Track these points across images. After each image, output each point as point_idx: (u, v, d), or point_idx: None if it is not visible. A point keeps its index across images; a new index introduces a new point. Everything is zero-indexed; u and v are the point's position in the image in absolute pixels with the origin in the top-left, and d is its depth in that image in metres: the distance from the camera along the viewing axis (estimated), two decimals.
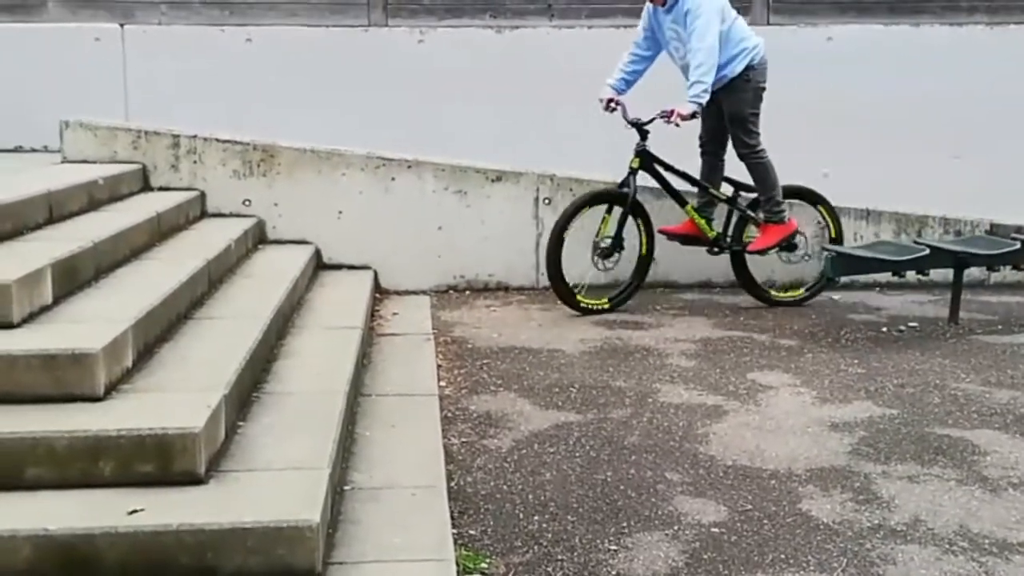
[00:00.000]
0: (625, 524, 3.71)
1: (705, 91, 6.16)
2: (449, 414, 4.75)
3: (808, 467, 4.22)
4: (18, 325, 3.73)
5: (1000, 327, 6.39)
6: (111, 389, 3.59)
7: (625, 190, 6.46)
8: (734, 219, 6.85)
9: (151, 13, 8.45)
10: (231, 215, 6.90)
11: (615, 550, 3.52)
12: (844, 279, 6.82)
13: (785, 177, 7.10)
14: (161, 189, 6.82)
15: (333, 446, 3.65)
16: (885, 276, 6.92)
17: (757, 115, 6.52)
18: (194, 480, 3.26)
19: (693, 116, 6.22)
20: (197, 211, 6.75)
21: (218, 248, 5.64)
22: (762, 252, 6.76)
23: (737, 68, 6.39)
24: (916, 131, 8.44)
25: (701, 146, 6.79)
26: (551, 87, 8.31)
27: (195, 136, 6.97)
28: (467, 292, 7.17)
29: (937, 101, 8.45)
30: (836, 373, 5.44)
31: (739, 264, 6.91)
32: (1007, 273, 7.24)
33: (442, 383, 5.16)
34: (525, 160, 7.39)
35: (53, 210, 5.16)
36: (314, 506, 3.12)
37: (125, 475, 3.23)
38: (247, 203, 6.97)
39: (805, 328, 6.35)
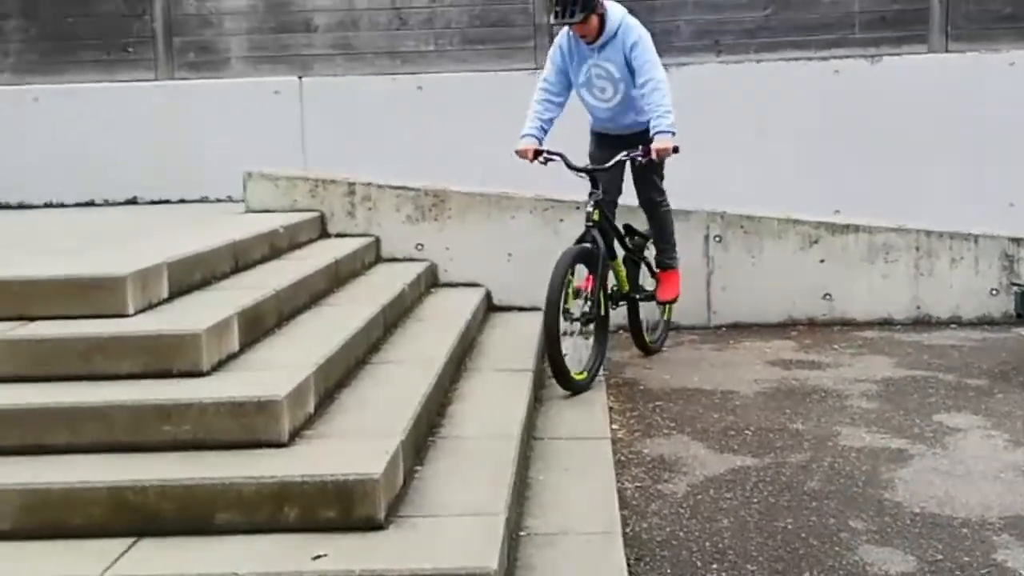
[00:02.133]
0: (808, 574, 3.59)
1: (675, 121, 5.59)
2: (622, 458, 4.71)
3: (1002, 515, 4.01)
4: (208, 373, 3.89)
5: None
6: (294, 435, 3.70)
7: (591, 247, 5.57)
8: (629, 268, 6.25)
9: (327, 65, 8.77)
10: (405, 259, 7.07)
11: None
12: None
13: (967, 211, 6.85)
14: (338, 235, 7.04)
15: (508, 491, 3.66)
16: None
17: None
18: (374, 526, 3.32)
19: (676, 149, 5.60)
20: (372, 256, 6.93)
21: (393, 293, 5.77)
22: (673, 301, 6.44)
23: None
24: None
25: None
26: (723, 122, 8.24)
27: (369, 183, 7.17)
28: None
29: None
30: None
31: (634, 312, 6.35)
32: None
33: (614, 426, 5.13)
34: (695, 198, 7.32)
35: (238, 259, 5.38)
36: (491, 553, 3.13)
37: (309, 520, 3.31)
38: (420, 247, 7.12)
39: (995, 367, 6.06)
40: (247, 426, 3.60)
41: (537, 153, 5.74)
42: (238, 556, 3.13)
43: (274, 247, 5.98)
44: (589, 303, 5.56)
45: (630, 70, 5.71)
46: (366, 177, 7.22)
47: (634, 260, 6.32)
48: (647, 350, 6.53)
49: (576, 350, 5.57)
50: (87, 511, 3.28)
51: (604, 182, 5.75)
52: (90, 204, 8.79)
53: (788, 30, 8.58)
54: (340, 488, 3.32)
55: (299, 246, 6.42)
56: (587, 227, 5.64)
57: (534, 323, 6.63)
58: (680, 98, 8.31)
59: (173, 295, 4.51)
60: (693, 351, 6.65)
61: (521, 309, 7.05)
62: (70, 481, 3.32)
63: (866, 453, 4.70)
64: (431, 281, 7.01)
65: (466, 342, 5.78)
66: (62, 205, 8.80)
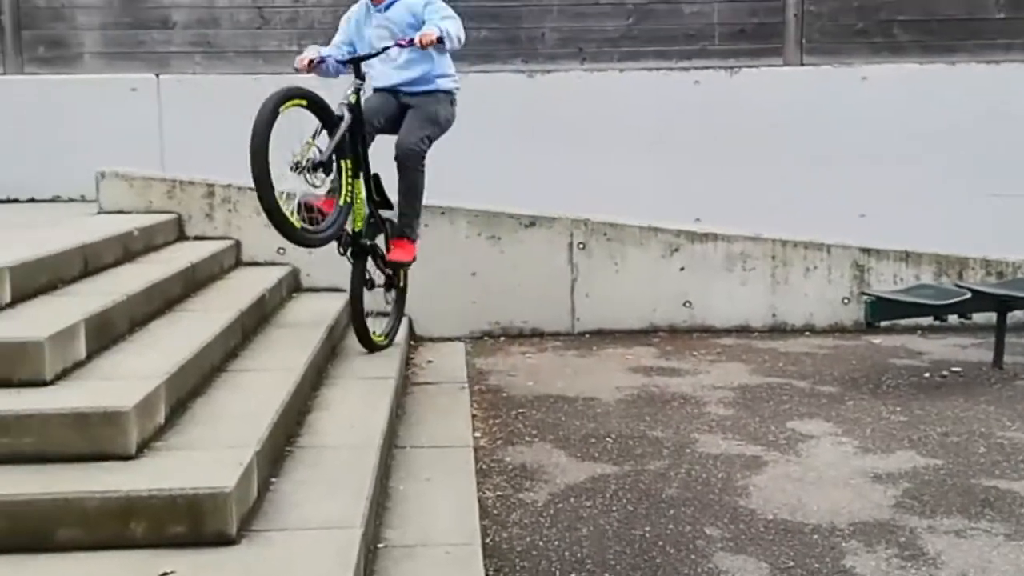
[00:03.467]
0: None
1: (455, 36, 5.44)
2: (484, 466, 4.69)
3: (851, 521, 4.12)
4: (51, 382, 3.73)
5: None
6: (143, 447, 3.57)
7: (339, 119, 5.24)
8: (370, 222, 5.73)
9: (186, 63, 8.53)
10: (266, 263, 6.91)
11: None
12: (884, 323, 6.68)
13: (821, 220, 7.04)
14: (196, 238, 6.84)
15: (366, 503, 3.60)
16: (927, 319, 6.80)
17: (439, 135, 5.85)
18: (226, 541, 3.22)
19: (440, 41, 5.37)
20: (232, 260, 6.76)
21: (252, 298, 5.64)
22: (401, 265, 5.90)
23: (448, 85, 5.82)
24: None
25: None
26: (585, 131, 8.32)
27: (229, 185, 7.00)
28: (502, 338, 7.13)
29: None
30: (878, 421, 5.33)
31: (359, 271, 5.63)
32: None
33: (477, 434, 5.11)
34: (559, 205, 7.37)
35: (88, 262, 5.18)
36: (346, 568, 3.07)
37: (157, 536, 3.20)
38: (281, 251, 6.97)
39: (845, 374, 6.24)
40: (92, 438, 3.45)
41: (312, 63, 5.58)
42: (79, 574, 2.99)
43: (128, 250, 5.77)
44: (316, 150, 5.06)
45: (417, 28, 5.55)
46: (226, 179, 7.04)
47: (376, 219, 5.77)
48: (369, 343, 5.75)
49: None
50: None
51: (367, 104, 5.59)
52: None
53: (650, 40, 8.69)
54: (190, 502, 3.21)
55: (155, 249, 6.22)
56: (340, 104, 5.28)
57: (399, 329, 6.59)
58: (544, 105, 8.42)
59: (16, 300, 4.31)
60: (557, 357, 6.68)
61: (386, 315, 6.96)
62: None
63: (722, 460, 4.78)
64: (293, 286, 6.88)
65: (328, 349, 5.68)
66: None
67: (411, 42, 5.45)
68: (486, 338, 7.13)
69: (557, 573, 3.69)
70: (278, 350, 5.19)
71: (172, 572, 3.01)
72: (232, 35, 8.53)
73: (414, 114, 5.76)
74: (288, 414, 4.28)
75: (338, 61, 5.65)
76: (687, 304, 7.35)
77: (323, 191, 5.28)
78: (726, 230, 7.44)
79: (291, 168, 5.00)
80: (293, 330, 5.72)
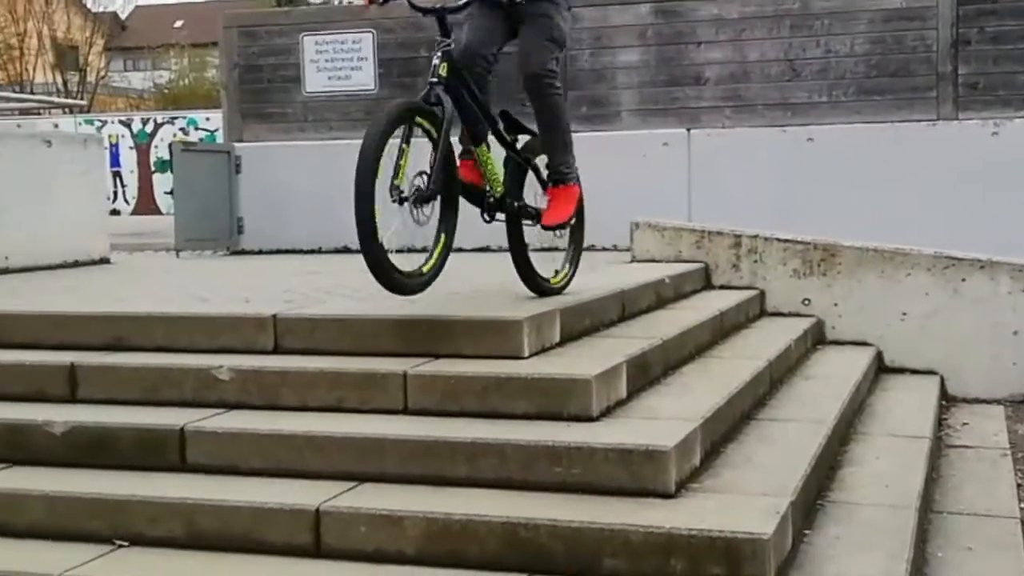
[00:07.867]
0: None
1: None
2: None
3: None
4: (597, 418, 3.94)
5: None
6: (680, 487, 3.66)
7: (435, 108, 4.31)
8: (509, 170, 4.92)
9: (716, 117, 8.78)
10: (790, 314, 6.87)
11: None
12: None
13: None
14: (722, 287, 6.96)
15: (906, 566, 3.43)
16: None
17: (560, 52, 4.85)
18: None
19: None
20: (756, 310, 6.80)
21: (778, 348, 5.62)
22: (561, 227, 4.96)
23: None
24: None
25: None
26: None
27: (756, 236, 7.05)
28: None
29: None
30: None
31: (515, 233, 4.89)
32: None
33: (1023, 505, 4.69)
34: None
35: (625, 307, 5.44)
36: None
37: (694, 575, 3.26)
38: (806, 303, 6.90)
39: None
40: (634, 474, 3.59)
41: None
42: None
43: (659, 297, 6.00)
44: (425, 176, 4.27)
45: None
46: (752, 229, 7.12)
47: (517, 161, 4.96)
48: (541, 290, 4.99)
49: (409, 237, 4.29)
50: (483, 543, 3.40)
51: (471, 36, 4.70)
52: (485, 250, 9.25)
53: None
54: (728, 545, 3.24)
55: (683, 296, 6.41)
56: (430, 84, 4.38)
57: (929, 387, 6.28)
58: None
59: (564, 340, 4.62)
60: None
61: (914, 372, 6.66)
62: (469, 513, 3.46)
63: None
64: (817, 338, 6.77)
65: (855, 403, 5.52)
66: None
67: None
68: None
69: None
70: (805, 401, 5.12)
71: None
72: (761, 88, 8.67)
73: (529, 32, 4.78)
74: (819, 467, 4.20)
75: (415, 7, 4.51)
76: None
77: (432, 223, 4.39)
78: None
79: (391, 194, 4.14)
80: (819, 382, 5.62)
